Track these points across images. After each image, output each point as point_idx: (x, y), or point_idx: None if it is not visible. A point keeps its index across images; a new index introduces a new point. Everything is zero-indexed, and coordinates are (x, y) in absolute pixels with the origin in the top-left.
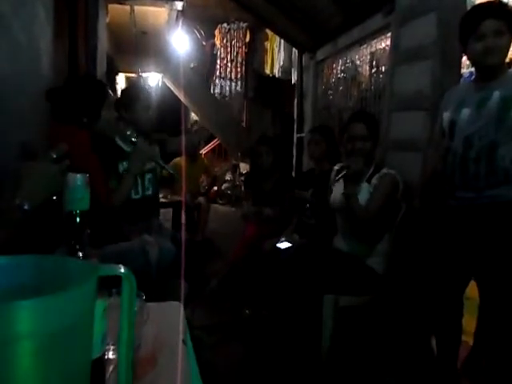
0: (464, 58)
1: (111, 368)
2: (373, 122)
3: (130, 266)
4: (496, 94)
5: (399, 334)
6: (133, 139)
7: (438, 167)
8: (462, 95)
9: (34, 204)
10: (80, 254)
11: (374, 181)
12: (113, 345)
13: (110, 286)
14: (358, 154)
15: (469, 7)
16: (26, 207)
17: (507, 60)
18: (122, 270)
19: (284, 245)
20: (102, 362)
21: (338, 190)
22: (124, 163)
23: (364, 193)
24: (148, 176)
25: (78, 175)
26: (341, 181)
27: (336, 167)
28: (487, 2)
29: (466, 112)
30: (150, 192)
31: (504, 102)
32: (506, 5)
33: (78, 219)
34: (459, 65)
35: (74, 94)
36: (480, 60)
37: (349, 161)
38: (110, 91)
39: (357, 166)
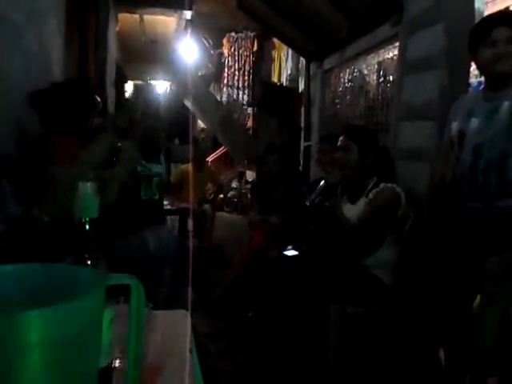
0: (472, 68)
1: (118, 377)
2: (358, 134)
3: (132, 261)
4: (506, 105)
5: (407, 344)
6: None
7: (446, 177)
8: (471, 105)
9: (53, 216)
10: (88, 262)
11: (370, 195)
12: (120, 353)
13: (117, 294)
14: (335, 165)
15: (477, 17)
16: (45, 219)
17: None
18: (131, 280)
19: (291, 253)
20: (108, 371)
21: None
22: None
23: (360, 207)
24: (155, 180)
25: (88, 183)
26: (344, 198)
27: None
28: (498, 11)
29: (475, 122)
30: (157, 196)
31: None
32: None
33: (87, 227)
34: (467, 74)
35: (61, 100)
36: (491, 67)
37: (326, 173)
38: (98, 98)
39: (331, 178)
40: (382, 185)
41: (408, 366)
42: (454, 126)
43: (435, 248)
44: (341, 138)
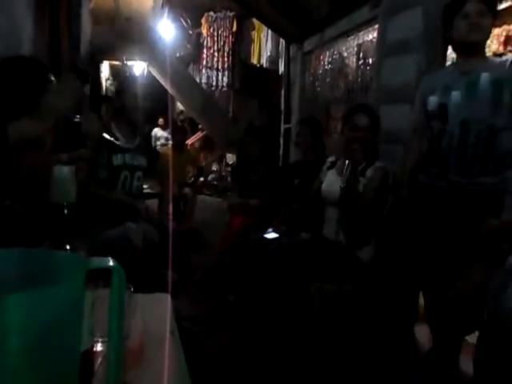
0: (449, 52)
1: (99, 360)
2: (375, 115)
3: (114, 255)
4: (485, 77)
5: (383, 321)
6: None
7: (423, 151)
8: (447, 79)
9: (26, 205)
10: (67, 247)
11: (368, 173)
12: (101, 337)
13: (96, 277)
14: (358, 144)
15: None
16: (17, 208)
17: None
18: (112, 263)
19: (271, 235)
20: (90, 355)
21: (330, 180)
22: (118, 156)
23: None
24: (138, 174)
25: (65, 167)
26: (332, 171)
27: (330, 159)
28: None
29: (456, 95)
30: (137, 191)
31: (495, 86)
32: None
33: (65, 211)
34: (444, 58)
35: (8, 78)
36: (464, 37)
37: (347, 150)
38: (52, 76)
39: (355, 157)
40: (377, 163)
41: (384, 341)
42: (433, 100)
43: (415, 223)
44: (361, 117)
